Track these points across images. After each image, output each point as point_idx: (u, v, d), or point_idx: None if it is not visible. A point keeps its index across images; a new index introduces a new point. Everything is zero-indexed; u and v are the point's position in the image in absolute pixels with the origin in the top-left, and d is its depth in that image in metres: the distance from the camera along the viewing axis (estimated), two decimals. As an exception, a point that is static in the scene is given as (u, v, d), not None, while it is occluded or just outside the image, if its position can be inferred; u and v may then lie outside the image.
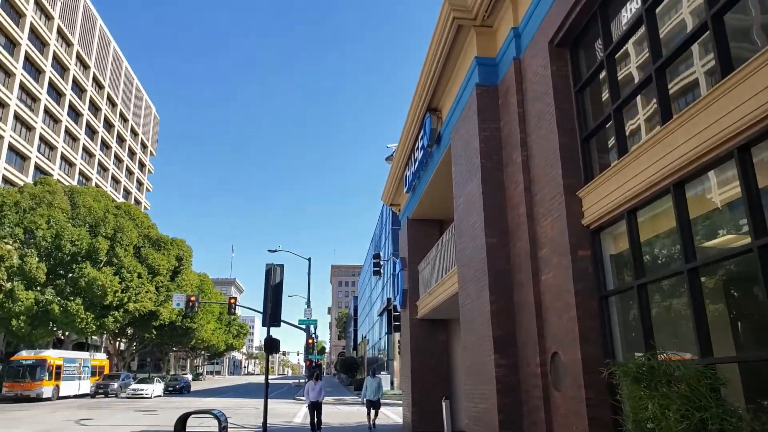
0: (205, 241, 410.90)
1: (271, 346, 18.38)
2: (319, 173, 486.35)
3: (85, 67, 68.48)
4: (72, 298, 38.82)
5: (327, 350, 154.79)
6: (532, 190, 8.33)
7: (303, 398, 39.52)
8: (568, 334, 7.22)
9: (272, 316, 18.10)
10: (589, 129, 7.30)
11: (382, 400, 17.78)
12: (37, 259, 39.25)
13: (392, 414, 24.61)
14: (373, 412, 17.20)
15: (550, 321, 7.85)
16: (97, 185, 65.48)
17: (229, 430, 19.46)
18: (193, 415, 6.80)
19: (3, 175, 50.95)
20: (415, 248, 17.43)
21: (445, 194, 14.93)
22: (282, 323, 18.72)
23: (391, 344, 51.38)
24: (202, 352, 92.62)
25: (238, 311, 48.00)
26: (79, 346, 55.39)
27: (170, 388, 45.32)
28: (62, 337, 46.83)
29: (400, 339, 38.57)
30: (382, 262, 27.10)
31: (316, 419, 15.41)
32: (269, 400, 36.35)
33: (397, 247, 47.69)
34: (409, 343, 16.88)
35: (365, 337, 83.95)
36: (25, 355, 34.89)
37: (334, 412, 25.89)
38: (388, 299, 54.47)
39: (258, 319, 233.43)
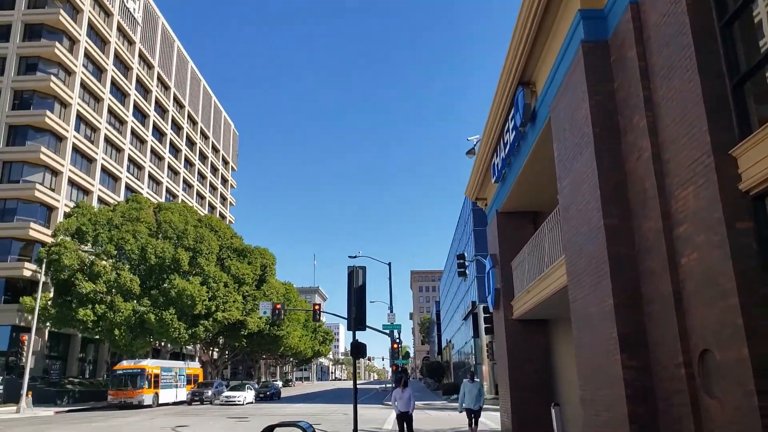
0: (288, 252, 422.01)
1: (358, 350, 17.66)
2: (398, 179, 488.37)
3: (165, 87, 71.67)
4: (165, 308, 40.20)
5: (411, 355, 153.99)
6: (662, 157, 6.98)
7: (390, 404, 38.98)
8: (726, 328, 5.85)
9: (357, 319, 17.37)
10: (742, 72, 5.90)
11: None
12: (130, 272, 41.00)
13: (487, 420, 23.28)
14: (473, 421, 14.91)
15: (695, 313, 6.48)
16: (183, 202, 68.17)
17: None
18: (278, 428, 5.98)
19: (98, 195, 53.90)
20: (507, 244, 16.14)
21: (541, 180, 13.62)
22: (366, 328, 17.97)
23: (479, 348, 49.75)
24: (291, 359, 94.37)
25: (323, 318, 48.05)
26: (175, 356, 57.69)
27: (261, 395, 45.98)
28: (159, 348, 48.75)
29: (493, 341, 37.03)
30: (466, 263, 25.83)
31: (406, 430, 13.52)
32: (360, 406, 35.81)
33: (481, 248, 46.11)
34: (505, 345, 15.61)
35: (450, 341, 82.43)
36: (126, 364, 36.39)
37: (423, 418, 24.90)
38: (473, 302, 52.93)
39: (342, 326, 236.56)
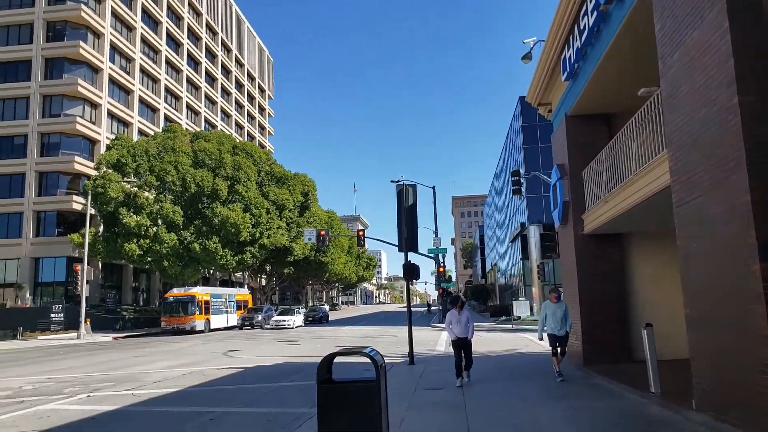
0: (328, 181, 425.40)
1: (411, 272, 16.59)
2: (440, 106, 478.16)
3: (197, 14, 69.49)
4: (209, 237, 40.23)
5: (453, 279, 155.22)
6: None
7: (440, 326, 38.70)
8: None
9: (408, 240, 16.22)
10: None
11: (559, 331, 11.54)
12: (172, 203, 40.93)
13: (542, 342, 22.37)
14: (558, 350, 11.56)
15: None
16: (221, 131, 67.52)
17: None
18: (339, 356, 4.78)
19: (138, 127, 53.57)
20: (577, 151, 14.37)
21: (624, 72, 11.70)
22: (418, 249, 16.81)
23: (528, 270, 48.68)
24: (336, 285, 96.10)
25: (366, 244, 47.46)
26: (224, 284, 58.84)
27: (310, 318, 46.56)
28: (208, 276, 49.53)
29: (544, 263, 35.80)
30: (522, 179, 24.09)
31: (464, 360, 11.12)
32: (405, 328, 35.45)
33: (532, 166, 43.99)
34: (575, 263, 14.18)
35: (494, 264, 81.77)
36: (177, 292, 36.92)
37: (474, 340, 24.15)
38: (522, 224, 51.41)
39: (384, 252, 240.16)
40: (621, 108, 13.69)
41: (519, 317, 38.52)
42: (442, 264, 48.67)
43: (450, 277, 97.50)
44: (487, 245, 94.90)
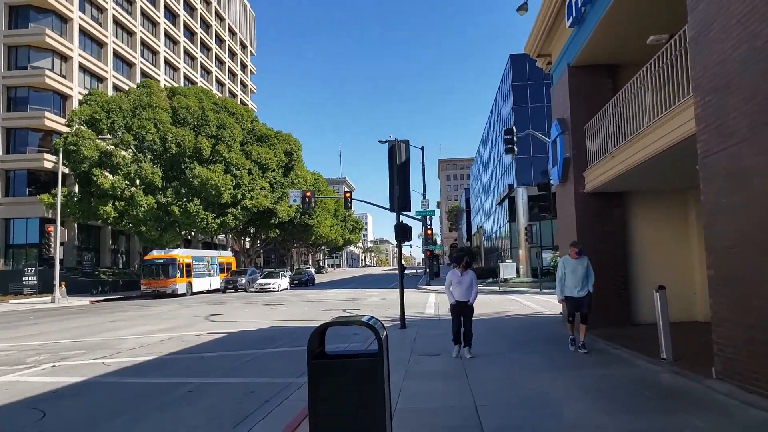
0: (313, 142, 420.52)
1: (404, 232, 15.77)
2: (426, 62, 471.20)
3: (174, -37, 66.30)
4: (189, 199, 39.00)
5: (438, 242, 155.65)
6: None
7: (428, 288, 38.26)
8: None
9: (401, 199, 15.36)
10: None
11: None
12: (150, 163, 39.45)
13: (530, 302, 21.97)
14: (578, 317, 9.85)
15: None
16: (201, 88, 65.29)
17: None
18: (333, 327, 3.96)
19: (113, 83, 51.35)
20: (581, 104, 13.49)
21: (638, 18, 10.75)
22: (411, 208, 15.95)
23: (515, 232, 48.30)
24: (322, 248, 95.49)
25: (353, 207, 46.55)
26: (206, 246, 57.76)
27: (295, 281, 45.91)
28: (189, 238, 48.44)
29: (531, 225, 35.29)
30: (515, 138, 23.22)
31: (462, 328, 9.54)
32: (393, 290, 34.87)
33: (521, 126, 43.02)
34: (575, 223, 13.48)
35: (480, 227, 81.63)
36: (156, 254, 35.91)
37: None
38: (510, 186, 50.74)
39: (371, 215, 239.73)
40: (628, 58, 12.79)
41: (506, 279, 38.28)
42: (429, 226, 48.12)
43: (436, 240, 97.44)
44: (473, 208, 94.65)
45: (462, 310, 9.59)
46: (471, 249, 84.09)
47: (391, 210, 15.27)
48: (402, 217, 15.49)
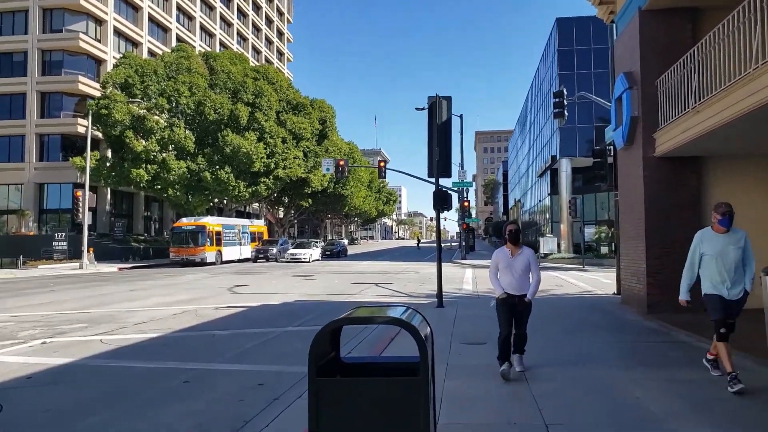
0: (349, 113, 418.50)
1: (444, 200, 14.11)
2: (467, 37, 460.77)
3: (209, -73, 64.62)
4: (221, 166, 38.02)
5: (474, 215, 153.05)
6: None
7: (462, 262, 36.55)
8: None
9: (441, 163, 13.70)
10: None
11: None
12: (184, 128, 38.52)
13: (578, 281, 20.12)
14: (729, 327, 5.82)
15: None
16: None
17: (396, 298, 16.37)
18: (350, 318, 2.36)
19: (148, 48, 50.52)
20: (654, 55, 11.55)
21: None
22: (451, 174, 14.26)
23: (557, 205, 45.99)
24: (356, 219, 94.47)
25: (387, 179, 44.83)
26: (239, 215, 57.22)
27: (327, 252, 44.89)
28: (221, 206, 47.76)
29: (575, 198, 33.05)
30: (565, 101, 21.12)
31: (514, 334, 6.30)
32: (427, 264, 33.39)
33: (568, 94, 40.32)
34: (642, 192, 11.64)
35: (518, 200, 79.08)
36: (186, 221, 35.20)
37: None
38: (552, 157, 48.16)
39: (405, 188, 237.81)
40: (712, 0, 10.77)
41: (545, 254, 36.36)
42: (466, 198, 46.24)
43: (472, 213, 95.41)
44: (511, 181, 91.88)
45: (515, 307, 6.23)
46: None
47: (429, 175, 13.67)
48: (431, 190, 13.86)
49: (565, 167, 44.90)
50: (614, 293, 15.66)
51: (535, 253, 7.09)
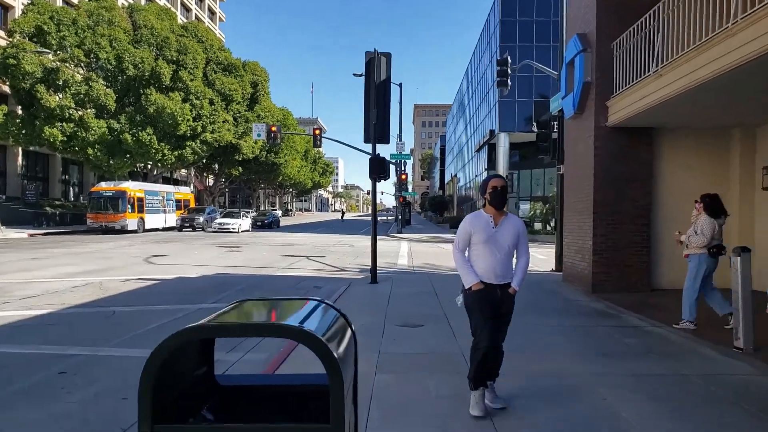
0: (283, 78, 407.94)
1: (381, 167, 13.04)
2: (406, 8, 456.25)
3: None
4: (143, 127, 35.28)
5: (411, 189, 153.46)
6: None
7: (399, 236, 35.83)
8: None
9: (378, 127, 12.61)
10: None
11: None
12: (104, 84, 35.40)
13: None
14: None
15: None
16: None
17: (328, 273, 15.25)
18: (211, 336, 1.18)
19: (64, -3, 46.03)
20: (610, 14, 10.84)
21: None
22: (390, 140, 13.21)
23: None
24: (290, 190, 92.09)
25: (323, 149, 43.36)
26: (166, 182, 54.07)
27: (258, 223, 43.08)
28: (146, 171, 44.76)
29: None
30: (509, 70, 20.43)
31: (491, 359, 4.17)
32: (363, 237, 32.43)
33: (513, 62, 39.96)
34: (592, 163, 11.04)
35: (455, 175, 79.40)
36: (105, 186, 32.58)
37: (437, 252, 21.40)
38: (491, 131, 48.05)
39: (342, 160, 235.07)
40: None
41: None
42: (404, 171, 45.51)
43: (408, 187, 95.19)
44: (448, 156, 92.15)
45: (497, 302, 4.18)
46: (444, 198, 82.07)
47: (366, 140, 12.53)
48: (365, 163, 12.79)
49: (503, 142, 44.89)
50: (552, 270, 15.24)
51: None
